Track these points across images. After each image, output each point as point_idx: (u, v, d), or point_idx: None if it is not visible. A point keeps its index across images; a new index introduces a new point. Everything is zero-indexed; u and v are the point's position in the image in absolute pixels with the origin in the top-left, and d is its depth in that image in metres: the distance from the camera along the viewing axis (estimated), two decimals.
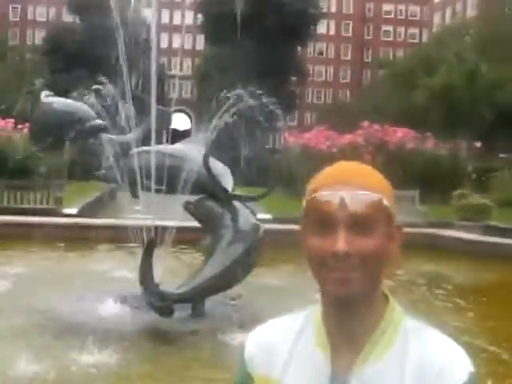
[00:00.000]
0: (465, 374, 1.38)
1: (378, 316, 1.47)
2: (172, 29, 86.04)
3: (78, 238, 12.25)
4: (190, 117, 76.41)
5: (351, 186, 1.40)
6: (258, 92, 9.33)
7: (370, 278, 1.41)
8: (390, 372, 1.41)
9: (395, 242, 1.46)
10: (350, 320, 1.45)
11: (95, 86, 9.59)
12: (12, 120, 23.95)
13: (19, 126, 23.40)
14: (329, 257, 1.38)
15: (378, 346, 1.44)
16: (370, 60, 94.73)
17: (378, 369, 1.42)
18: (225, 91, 9.10)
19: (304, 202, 1.46)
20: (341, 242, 1.37)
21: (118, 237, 10.60)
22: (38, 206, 17.56)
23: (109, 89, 9.45)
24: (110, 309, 7.76)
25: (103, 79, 9.44)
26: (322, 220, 1.40)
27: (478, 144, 28.59)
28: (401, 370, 1.41)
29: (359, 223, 1.39)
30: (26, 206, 17.51)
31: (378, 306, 1.47)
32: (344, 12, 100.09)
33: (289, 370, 1.49)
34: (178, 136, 11.67)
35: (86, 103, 9.47)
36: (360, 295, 1.41)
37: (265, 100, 9.23)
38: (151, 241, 7.38)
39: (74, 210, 16.92)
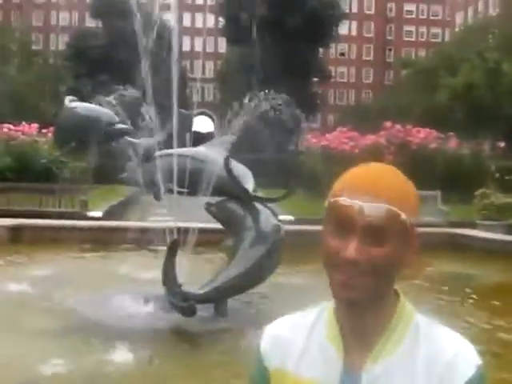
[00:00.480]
0: (473, 367, 1.45)
1: (388, 314, 1.51)
2: (194, 32, 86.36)
3: (103, 240, 12.37)
4: (212, 119, 76.61)
5: (372, 195, 1.43)
6: (280, 95, 9.38)
7: (378, 284, 1.45)
8: (401, 367, 1.47)
9: (411, 250, 1.49)
10: (360, 318, 1.50)
11: (119, 91, 9.72)
12: (36, 125, 24.17)
13: (43, 131, 23.64)
14: (339, 259, 1.44)
15: (390, 342, 1.49)
16: (392, 60, 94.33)
17: (390, 364, 1.47)
18: (247, 94, 9.17)
19: (326, 202, 1.50)
20: (351, 250, 1.42)
21: (141, 238, 10.74)
22: (64, 210, 17.71)
23: (131, 93, 9.58)
24: (134, 309, 7.87)
25: (126, 87, 9.56)
26: (339, 224, 1.45)
27: (502, 144, 28.42)
28: (412, 365, 1.46)
29: (374, 233, 1.43)
30: (51, 209, 17.63)
31: (388, 305, 1.52)
32: (365, 12, 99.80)
33: (302, 364, 1.55)
34: (200, 138, 11.77)
35: (110, 107, 9.60)
36: (362, 300, 1.46)
37: (284, 101, 9.29)
38: (174, 242, 7.44)
39: (98, 213, 17.07)
